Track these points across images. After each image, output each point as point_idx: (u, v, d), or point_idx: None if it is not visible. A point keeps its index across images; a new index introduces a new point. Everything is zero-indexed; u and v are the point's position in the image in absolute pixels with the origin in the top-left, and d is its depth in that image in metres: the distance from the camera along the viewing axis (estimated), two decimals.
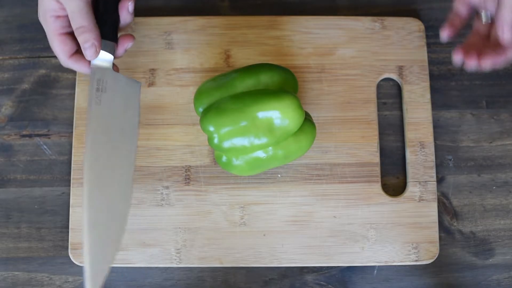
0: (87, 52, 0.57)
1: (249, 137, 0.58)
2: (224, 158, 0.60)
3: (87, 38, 0.56)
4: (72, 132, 0.67)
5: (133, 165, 0.57)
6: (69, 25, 0.57)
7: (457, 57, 0.57)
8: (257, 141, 0.58)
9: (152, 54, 0.69)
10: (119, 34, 0.59)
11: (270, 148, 0.59)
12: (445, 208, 0.67)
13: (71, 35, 0.57)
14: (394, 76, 0.69)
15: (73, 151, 0.66)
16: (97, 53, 0.57)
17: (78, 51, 0.58)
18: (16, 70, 0.70)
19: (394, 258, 0.64)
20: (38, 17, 0.58)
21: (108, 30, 0.59)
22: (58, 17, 0.57)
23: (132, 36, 0.60)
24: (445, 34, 0.59)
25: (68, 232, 0.65)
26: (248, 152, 0.59)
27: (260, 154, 0.60)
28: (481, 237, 0.67)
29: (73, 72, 0.69)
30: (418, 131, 0.67)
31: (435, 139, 0.68)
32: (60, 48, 0.58)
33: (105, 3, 0.59)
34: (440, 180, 0.68)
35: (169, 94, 0.68)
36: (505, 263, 0.66)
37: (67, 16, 0.57)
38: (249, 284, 0.63)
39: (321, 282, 0.65)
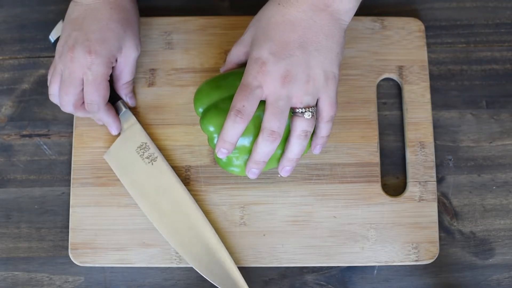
0: (131, 101, 0.67)
1: (249, 137, 0.58)
2: (224, 158, 0.60)
3: (131, 89, 0.66)
4: (72, 132, 0.67)
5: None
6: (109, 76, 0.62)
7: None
8: None
9: (152, 54, 0.69)
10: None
11: None
12: (445, 208, 0.67)
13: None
14: (394, 76, 0.69)
15: (73, 151, 0.66)
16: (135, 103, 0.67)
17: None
18: (16, 70, 0.70)
19: (394, 258, 0.64)
20: (68, 48, 0.60)
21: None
22: (113, 64, 0.62)
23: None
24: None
25: (68, 232, 0.65)
26: (248, 152, 0.59)
27: None
28: (481, 237, 0.67)
29: None
30: (418, 131, 0.67)
31: (435, 139, 0.68)
32: (103, 94, 0.61)
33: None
34: (440, 180, 0.68)
35: (169, 94, 0.68)
36: (505, 263, 0.66)
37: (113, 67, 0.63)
38: (249, 284, 0.63)
39: (321, 282, 0.65)
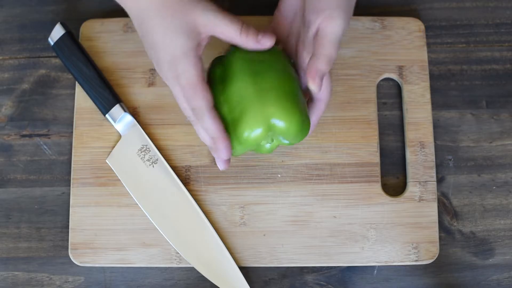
0: (267, 41, 0.55)
1: None
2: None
3: (255, 30, 0.55)
4: (72, 132, 0.67)
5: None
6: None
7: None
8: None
9: None
10: None
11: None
12: (445, 208, 0.67)
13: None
14: (394, 76, 0.69)
15: (73, 151, 0.66)
16: (274, 37, 0.56)
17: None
18: (16, 70, 0.70)
19: (394, 258, 0.64)
20: (157, 69, 0.55)
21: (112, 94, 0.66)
22: (199, 57, 0.54)
23: None
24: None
25: (68, 232, 0.65)
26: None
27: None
28: (481, 237, 0.67)
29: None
30: (418, 131, 0.67)
31: (435, 139, 0.68)
32: (204, 96, 0.54)
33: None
34: (440, 180, 0.68)
35: (169, 94, 0.67)
36: (505, 263, 0.66)
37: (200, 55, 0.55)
38: (249, 284, 0.63)
39: (321, 282, 0.65)
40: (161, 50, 0.54)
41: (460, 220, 0.67)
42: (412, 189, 0.66)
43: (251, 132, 0.55)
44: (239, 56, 0.57)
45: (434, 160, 0.67)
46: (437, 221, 0.65)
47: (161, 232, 0.64)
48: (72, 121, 0.68)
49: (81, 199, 0.65)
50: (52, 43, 0.66)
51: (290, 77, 0.56)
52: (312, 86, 0.54)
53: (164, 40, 0.54)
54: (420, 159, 0.67)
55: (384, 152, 0.68)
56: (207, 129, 0.56)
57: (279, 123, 0.55)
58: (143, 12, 0.54)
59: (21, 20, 0.71)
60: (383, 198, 0.66)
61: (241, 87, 0.55)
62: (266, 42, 0.55)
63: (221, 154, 0.57)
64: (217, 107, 0.56)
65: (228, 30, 0.54)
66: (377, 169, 0.66)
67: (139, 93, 0.68)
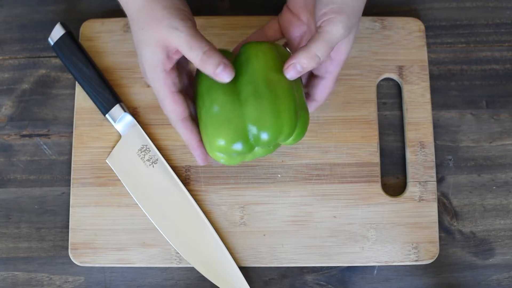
0: (224, 75, 0.52)
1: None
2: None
3: (218, 60, 0.52)
4: (72, 132, 0.67)
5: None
6: (179, 81, 0.55)
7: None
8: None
9: None
10: None
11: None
12: (445, 208, 0.67)
13: (181, 94, 0.55)
14: (394, 76, 0.69)
15: (73, 151, 0.66)
16: (234, 72, 0.53)
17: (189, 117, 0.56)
18: (16, 70, 0.70)
19: (394, 258, 0.64)
20: (143, 75, 0.56)
21: (113, 94, 0.66)
22: (168, 71, 0.54)
23: None
24: None
25: (68, 232, 0.65)
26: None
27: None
28: (481, 237, 0.67)
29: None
30: (418, 131, 0.67)
31: (435, 139, 0.68)
32: (172, 108, 0.55)
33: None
34: (440, 180, 0.68)
35: None
36: (505, 263, 0.66)
37: (174, 69, 0.54)
38: (249, 284, 0.63)
39: (321, 282, 0.65)
40: (138, 58, 0.55)
41: (460, 220, 0.67)
42: (412, 189, 0.66)
43: (216, 143, 0.54)
44: None
45: (434, 160, 0.67)
46: (437, 221, 0.65)
47: (161, 232, 0.64)
48: (72, 121, 0.68)
49: (81, 199, 0.65)
50: (52, 43, 0.66)
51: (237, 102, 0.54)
52: (284, 72, 0.54)
53: (138, 50, 0.55)
54: (420, 159, 0.67)
55: (384, 152, 0.68)
56: (180, 136, 0.57)
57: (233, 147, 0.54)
58: (130, 19, 0.55)
59: (21, 20, 0.71)
60: (383, 198, 0.66)
61: (204, 101, 0.55)
62: (223, 77, 0.52)
63: (197, 160, 0.58)
64: (200, 107, 0.56)
65: (189, 54, 0.52)
66: (377, 169, 0.66)
67: (139, 93, 0.68)
